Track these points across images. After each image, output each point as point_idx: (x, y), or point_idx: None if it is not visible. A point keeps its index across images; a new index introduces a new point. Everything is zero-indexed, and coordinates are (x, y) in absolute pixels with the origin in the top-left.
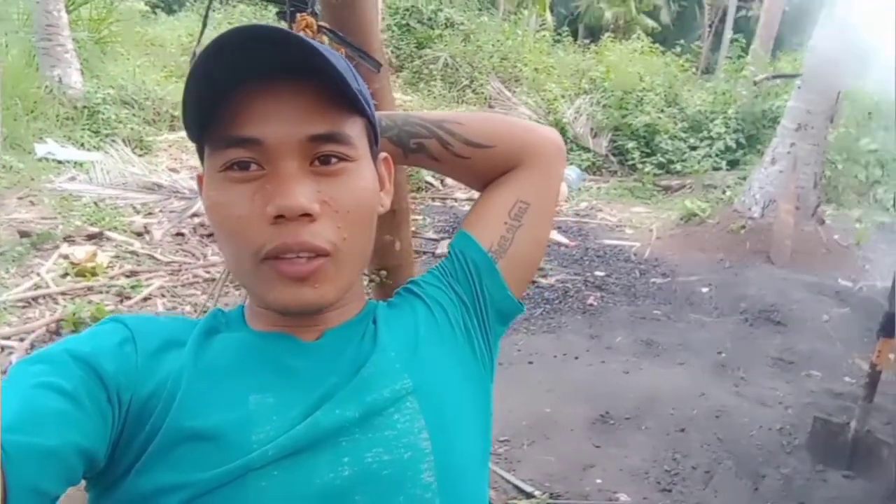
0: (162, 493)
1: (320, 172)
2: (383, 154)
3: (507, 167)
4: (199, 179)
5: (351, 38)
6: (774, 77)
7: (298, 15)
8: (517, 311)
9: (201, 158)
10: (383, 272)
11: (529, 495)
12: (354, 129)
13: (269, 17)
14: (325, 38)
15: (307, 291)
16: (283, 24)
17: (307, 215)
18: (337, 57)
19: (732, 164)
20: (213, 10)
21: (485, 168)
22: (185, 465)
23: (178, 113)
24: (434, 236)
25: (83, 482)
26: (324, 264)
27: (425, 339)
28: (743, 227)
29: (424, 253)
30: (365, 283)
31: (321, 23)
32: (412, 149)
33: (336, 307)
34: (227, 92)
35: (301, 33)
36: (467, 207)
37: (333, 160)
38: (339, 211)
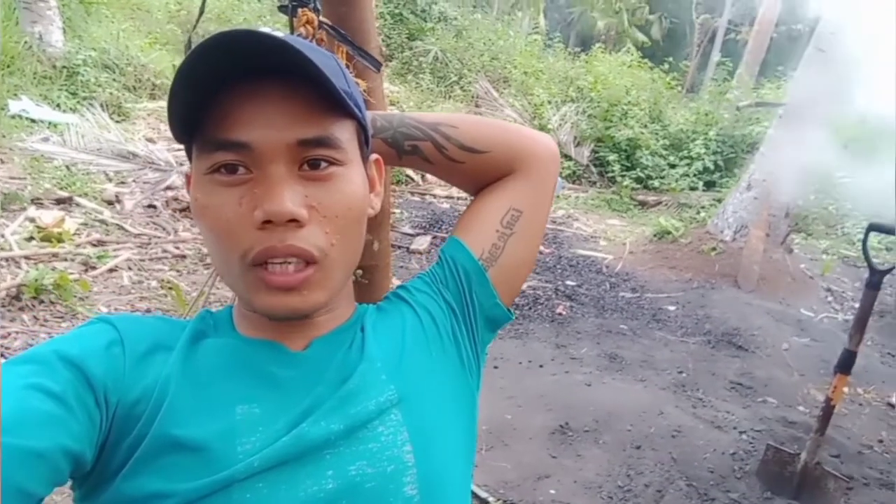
0: (147, 501)
1: (309, 177)
2: (374, 156)
3: (502, 173)
4: (188, 179)
5: (349, 36)
6: (758, 105)
7: (300, 10)
8: (506, 318)
9: (189, 159)
10: (359, 271)
11: (484, 501)
12: (344, 133)
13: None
14: (326, 36)
15: (294, 298)
16: (285, 18)
17: (295, 221)
18: (327, 59)
19: (709, 186)
20: None
21: (479, 173)
22: (171, 474)
23: (160, 81)
24: (410, 231)
25: (69, 481)
26: (311, 274)
27: (412, 348)
28: (714, 249)
29: (399, 247)
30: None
31: (322, 19)
32: (406, 151)
33: (324, 313)
34: (212, 95)
35: (301, 29)
36: (446, 204)
37: (323, 164)
38: (327, 216)
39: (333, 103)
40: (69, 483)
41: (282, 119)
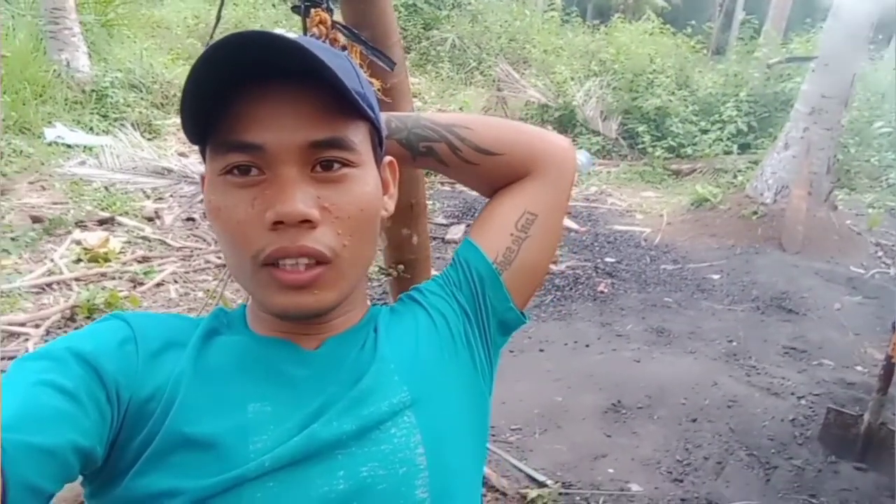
0: (157, 498)
1: (321, 178)
2: (388, 158)
3: (517, 175)
4: (203, 180)
5: (368, 33)
6: (789, 60)
7: (313, 10)
8: (519, 322)
9: (204, 160)
10: (401, 266)
11: (542, 484)
12: (357, 134)
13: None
14: (340, 36)
15: (306, 297)
16: (298, 19)
17: (307, 221)
18: (340, 59)
19: (744, 148)
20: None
21: (493, 175)
22: (182, 472)
23: None
24: (444, 221)
25: (80, 477)
26: (323, 272)
27: (425, 350)
28: (754, 212)
29: (434, 238)
30: (382, 277)
31: (336, 19)
32: (421, 152)
33: (337, 314)
34: (224, 96)
35: (314, 30)
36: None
37: (335, 166)
38: (339, 217)
39: (346, 105)
40: (80, 479)
41: (294, 121)
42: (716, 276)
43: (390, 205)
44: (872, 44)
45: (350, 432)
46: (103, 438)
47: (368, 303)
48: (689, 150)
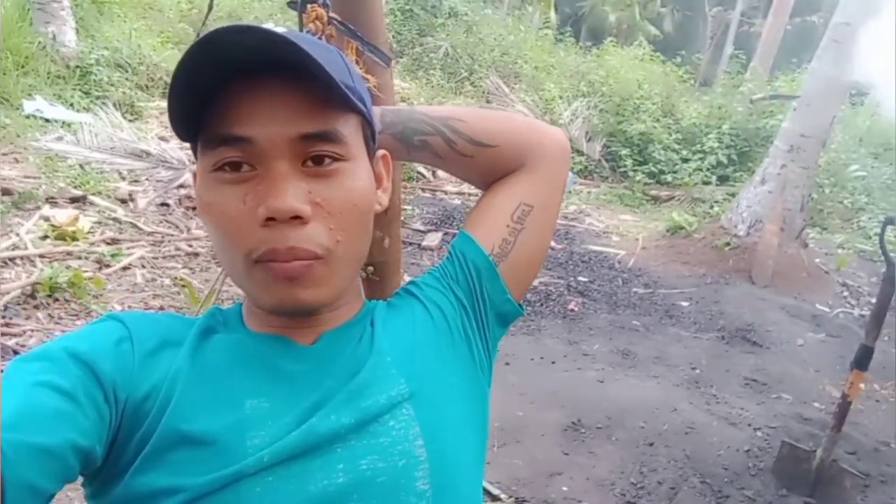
0: (157, 496)
1: (312, 173)
2: (381, 151)
3: (512, 167)
4: (194, 177)
5: (359, 31)
6: (772, 97)
7: (309, 6)
8: (517, 314)
9: (196, 157)
10: (370, 268)
11: (496, 498)
12: (348, 127)
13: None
14: (335, 32)
15: (300, 292)
16: (292, 12)
17: (298, 217)
18: (329, 54)
19: (722, 180)
20: None
21: (488, 167)
22: (181, 469)
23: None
24: (422, 228)
25: (80, 478)
26: (316, 267)
27: (423, 343)
28: (727, 244)
29: (410, 244)
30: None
31: (332, 15)
32: (416, 146)
33: (332, 308)
34: (212, 91)
35: (311, 26)
36: (457, 200)
37: (326, 160)
38: (331, 213)
39: (336, 98)
40: (80, 480)
41: (283, 113)
42: (685, 304)
43: (384, 199)
44: (854, 89)
45: (348, 425)
46: (102, 438)
47: (364, 297)
48: (669, 178)
